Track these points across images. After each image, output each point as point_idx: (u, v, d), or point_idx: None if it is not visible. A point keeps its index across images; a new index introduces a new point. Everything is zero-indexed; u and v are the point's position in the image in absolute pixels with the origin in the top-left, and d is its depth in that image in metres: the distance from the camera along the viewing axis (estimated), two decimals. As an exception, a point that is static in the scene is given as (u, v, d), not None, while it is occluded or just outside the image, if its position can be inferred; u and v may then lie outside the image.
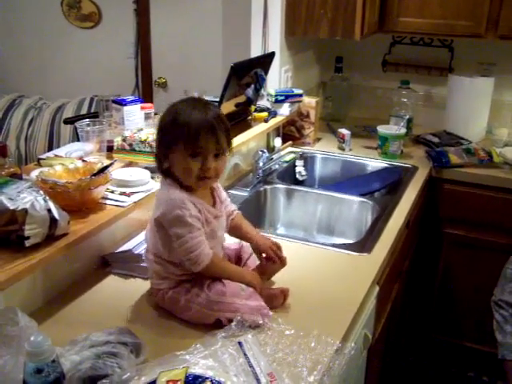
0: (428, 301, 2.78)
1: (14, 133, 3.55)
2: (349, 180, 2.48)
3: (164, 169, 1.34)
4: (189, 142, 1.26)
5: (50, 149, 3.25)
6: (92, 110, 3.41)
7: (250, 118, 2.41)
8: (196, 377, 1.07)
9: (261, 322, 1.30)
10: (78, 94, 3.62)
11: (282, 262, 1.48)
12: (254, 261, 1.52)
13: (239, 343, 1.19)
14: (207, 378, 1.06)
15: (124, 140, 1.81)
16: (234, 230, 1.51)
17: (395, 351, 2.51)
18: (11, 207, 1.29)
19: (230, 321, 1.29)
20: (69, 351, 1.11)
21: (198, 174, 1.29)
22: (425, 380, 2.77)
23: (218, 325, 1.31)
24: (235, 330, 1.25)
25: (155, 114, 2.10)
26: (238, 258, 1.53)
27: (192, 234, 1.28)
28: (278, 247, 1.49)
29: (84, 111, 3.47)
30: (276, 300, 1.41)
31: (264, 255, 1.47)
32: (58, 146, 3.15)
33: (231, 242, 1.56)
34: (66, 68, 3.86)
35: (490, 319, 2.05)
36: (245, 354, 1.16)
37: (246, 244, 1.54)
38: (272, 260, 1.46)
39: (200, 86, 2.50)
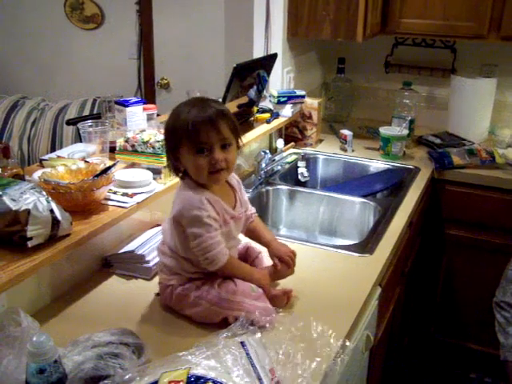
0: (430, 302, 2.77)
1: (17, 134, 3.56)
2: (351, 181, 2.48)
3: (180, 171, 1.35)
4: (190, 138, 1.26)
5: (53, 150, 3.26)
6: (95, 111, 3.42)
7: (252, 119, 2.42)
8: (198, 377, 1.07)
9: (266, 323, 1.31)
10: (80, 95, 3.63)
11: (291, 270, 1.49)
12: (259, 262, 1.52)
13: (242, 343, 1.19)
14: (209, 379, 1.06)
15: (126, 141, 1.81)
16: (252, 233, 1.52)
17: (398, 352, 2.50)
18: (14, 208, 1.29)
19: (237, 319, 1.29)
20: (71, 351, 1.11)
21: (209, 168, 1.28)
22: (427, 381, 2.77)
23: (222, 324, 1.31)
24: (238, 330, 1.25)
25: (157, 115, 2.10)
26: (244, 259, 1.53)
27: (210, 234, 1.29)
28: (295, 255, 1.50)
29: (87, 112, 3.48)
30: (279, 301, 1.42)
31: (277, 260, 1.48)
32: (61, 147, 3.15)
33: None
34: (69, 69, 3.88)
35: (493, 320, 2.05)
36: (247, 354, 1.16)
37: (252, 245, 1.55)
38: (288, 266, 1.47)
39: (203, 86, 2.50)
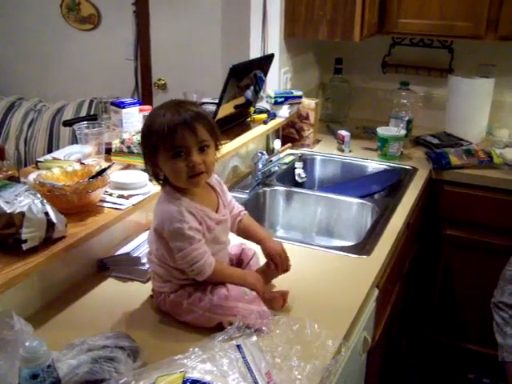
0: (428, 302, 2.77)
1: (14, 135, 3.54)
2: (348, 182, 2.47)
3: (159, 178, 1.33)
4: (166, 142, 1.24)
5: (50, 151, 3.24)
6: (92, 112, 3.41)
7: (249, 119, 2.41)
8: (194, 381, 1.06)
9: (263, 327, 1.30)
10: (77, 96, 3.61)
11: (286, 269, 1.47)
12: (254, 263, 1.51)
13: (238, 346, 1.18)
14: (205, 383, 1.05)
15: (122, 142, 1.80)
16: (244, 232, 1.50)
17: (396, 353, 2.50)
18: (8, 210, 1.28)
19: (232, 324, 1.28)
20: (66, 355, 1.10)
21: (187, 172, 1.26)
22: (425, 382, 2.76)
23: (218, 328, 1.30)
24: (234, 333, 1.25)
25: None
26: (239, 261, 1.52)
27: (193, 246, 1.27)
28: (285, 253, 1.47)
29: (84, 113, 3.46)
30: (275, 303, 1.41)
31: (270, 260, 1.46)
32: (58, 148, 3.13)
33: (232, 243, 1.54)
34: (66, 70, 3.86)
35: (491, 321, 2.05)
36: (243, 358, 1.15)
37: (247, 247, 1.54)
38: (277, 268, 1.45)
39: (200, 87, 2.49)
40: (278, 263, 1.45)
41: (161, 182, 1.34)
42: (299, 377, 1.16)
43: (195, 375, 1.08)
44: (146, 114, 1.99)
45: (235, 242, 1.54)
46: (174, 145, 1.24)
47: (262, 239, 1.48)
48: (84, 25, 3.74)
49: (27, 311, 1.36)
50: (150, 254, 1.39)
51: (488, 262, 2.51)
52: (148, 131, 1.28)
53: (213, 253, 1.33)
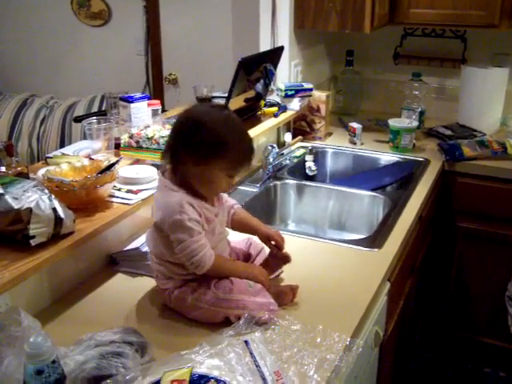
0: (443, 296, 2.74)
1: (27, 132, 3.57)
2: (360, 174, 2.45)
3: (179, 173, 1.30)
4: (236, 167, 1.30)
5: (62, 147, 3.25)
6: (103, 108, 3.41)
7: (259, 113, 2.39)
8: (201, 376, 1.05)
9: (268, 318, 1.29)
10: (89, 92, 3.63)
11: (287, 259, 1.47)
12: (262, 258, 1.50)
13: (245, 342, 1.17)
14: (212, 378, 1.04)
15: (131, 137, 1.80)
16: (238, 225, 1.49)
17: (409, 347, 2.48)
18: (16, 206, 1.28)
19: (239, 318, 1.27)
20: (73, 351, 1.10)
21: (224, 189, 1.35)
22: (440, 376, 2.74)
23: (226, 322, 1.29)
24: (242, 328, 1.24)
25: (164, 110, 2.08)
26: (246, 255, 1.51)
27: (193, 238, 1.27)
28: (282, 237, 1.49)
29: (95, 109, 3.48)
30: (285, 297, 1.40)
31: (273, 243, 1.47)
32: (70, 144, 3.15)
33: (239, 239, 1.54)
34: (77, 66, 3.88)
35: (506, 314, 2.02)
36: (251, 353, 1.14)
37: (254, 241, 1.53)
38: (279, 246, 1.46)
39: (211, 81, 2.49)
40: (278, 242, 1.46)
41: (176, 176, 1.32)
42: (309, 374, 1.14)
43: (203, 370, 1.07)
44: (155, 108, 2.00)
45: (243, 237, 1.53)
46: (240, 170, 1.32)
47: (256, 225, 1.49)
48: (95, 21, 3.75)
49: (37, 307, 1.36)
50: (151, 252, 1.40)
51: (502, 254, 2.47)
52: (224, 145, 1.26)
53: (213, 246, 1.32)
